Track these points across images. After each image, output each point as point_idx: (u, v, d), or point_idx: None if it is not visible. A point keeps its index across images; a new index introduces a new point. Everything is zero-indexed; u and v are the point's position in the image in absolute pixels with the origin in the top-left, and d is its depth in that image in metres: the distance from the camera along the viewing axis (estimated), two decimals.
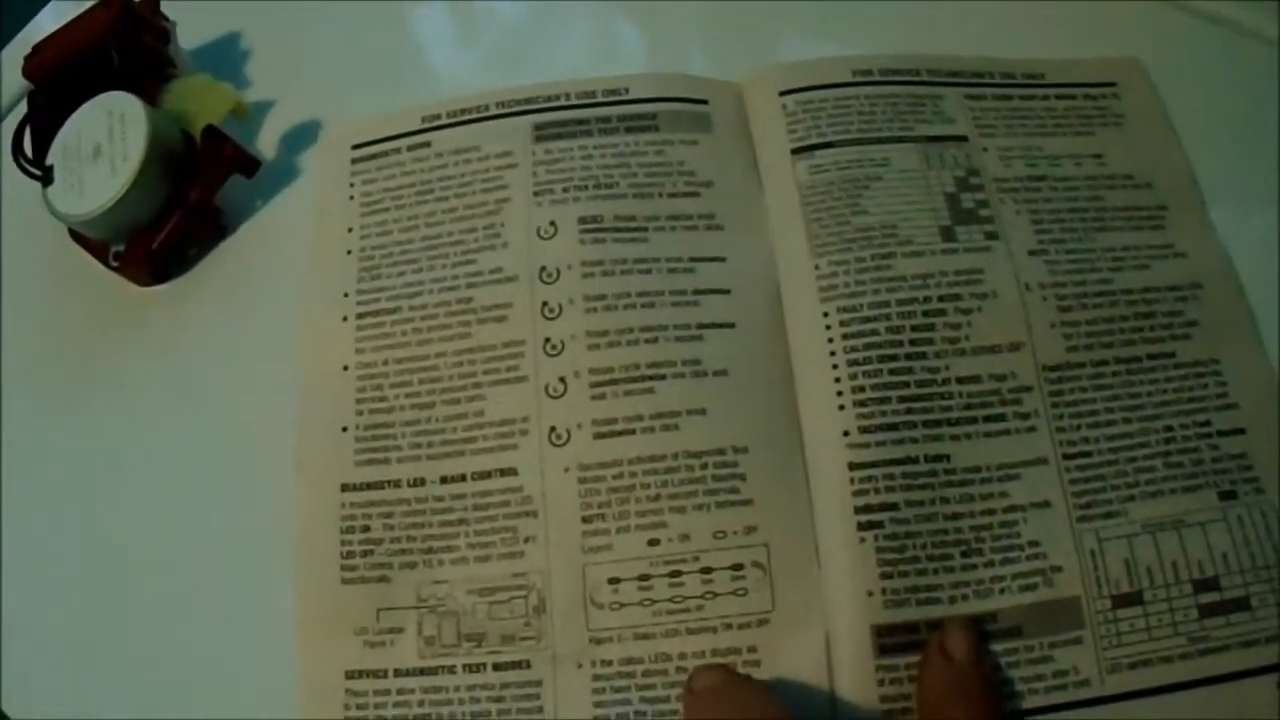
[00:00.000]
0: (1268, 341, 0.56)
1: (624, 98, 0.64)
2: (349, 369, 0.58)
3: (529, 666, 0.53)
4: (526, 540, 0.54)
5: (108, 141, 0.64)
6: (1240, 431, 0.54)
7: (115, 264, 0.66)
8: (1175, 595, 0.51)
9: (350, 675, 0.54)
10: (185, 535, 0.59)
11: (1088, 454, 0.53)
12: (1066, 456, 0.53)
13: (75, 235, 0.68)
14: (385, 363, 0.58)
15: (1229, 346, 0.56)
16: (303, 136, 0.70)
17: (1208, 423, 0.54)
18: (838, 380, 0.54)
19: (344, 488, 0.56)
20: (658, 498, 0.53)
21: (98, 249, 0.67)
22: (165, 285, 0.67)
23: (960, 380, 0.54)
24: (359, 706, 0.53)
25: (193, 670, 0.56)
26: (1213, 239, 0.59)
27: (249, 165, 0.67)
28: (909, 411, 0.54)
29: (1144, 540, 0.52)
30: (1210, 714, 0.50)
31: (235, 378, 0.63)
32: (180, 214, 0.65)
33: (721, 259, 0.59)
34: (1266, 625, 0.51)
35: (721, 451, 0.54)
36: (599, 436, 0.54)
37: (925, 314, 0.55)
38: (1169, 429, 0.54)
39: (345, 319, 0.60)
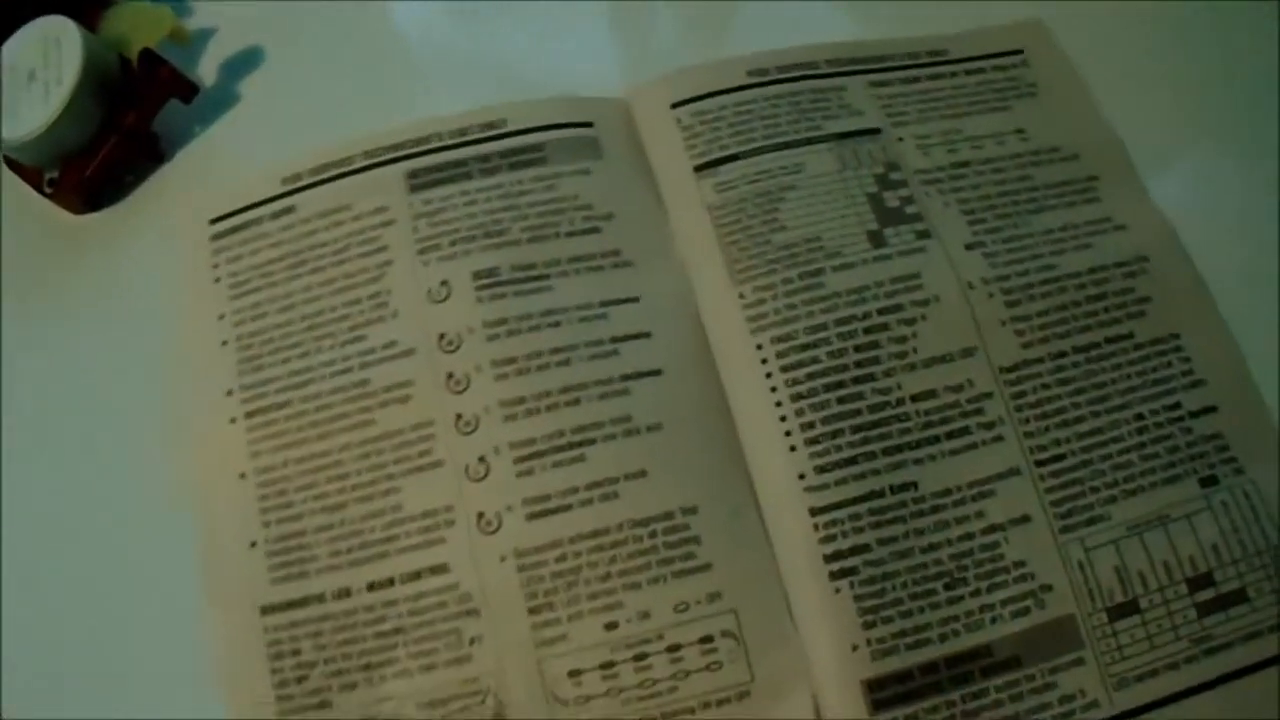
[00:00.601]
0: (1225, 310, 0.51)
1: (502, 131, 0.55)
2: (246, 476, 0.50)
3: None
4: (472, 642, 0.47)
5: (42, 66, 0.59)
6: (1212, 410, 0.49)
7: (49, 190, 0.61)
8: (1171, 598, 0.47)
9: None
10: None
11: (1060, 457, 0.48)
12: (1039, 463, 0.48)
13: (9, 162, 0.63)
14: (285, 464, 0.50)
15: (1187, 320, 0.51)
16: (245, 64, 0.64)
17: (1177, 405, 0.49)
18: (783, 419, 0.48)
19: (264, 610, 0.48)
20: (608, 576, 0.47)
21: (31, 176, 0.62)
22: (100, 213, 0.62)
23: (915, 398, 0.48)
24: None
25: None
26: (1150, 206, 0.54)
27: (186, 90, 0.62)
28: (865, 441, 0.48)
29: (1131, 543, 0.47)
30: (1224, 714, 0.45)
31: (171, 309, 0.55)
32: (115, 139, 0.60)
33: (635, 299, 0.52)
34: (1267, 615, 0.47)
35: (669, 515, 0.47)
36: (533, 517, 0.47)
37: (867, 331, 0.49)
38: (1139, 417, 0.49)
39: (233, 420, 0.51)
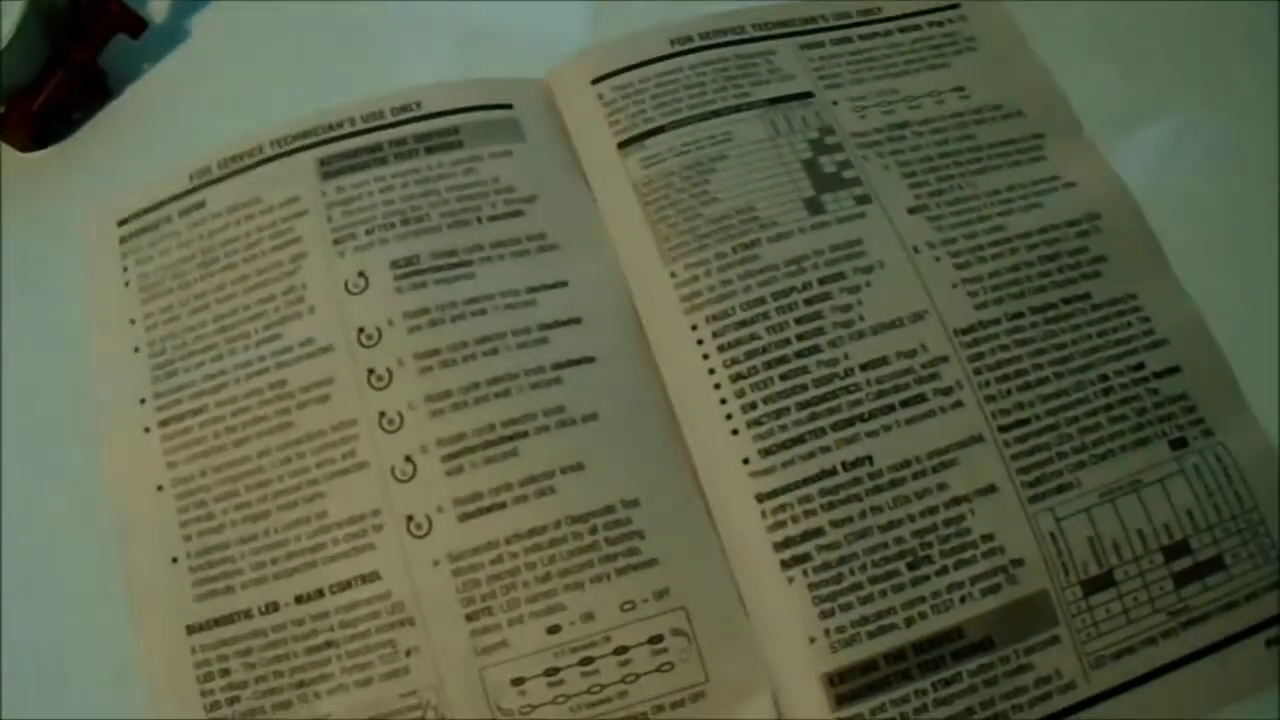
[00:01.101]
0: (1180, 269, 0.47)
1: (417, 114, 0.50)
2: (164, 488, 0.46)
3: None
4: (408, 653, 0.42)
5: None
6: (1175, 370, 0.45)
7: None
8: (1147, 568, 0.43)
9: None
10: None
11: (1025, 422, 0.44)
12: (1003, 429, 0.43)
13: None
14: (203, 474, 0.45)
15: (1143, 279, 0.47)
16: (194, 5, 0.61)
17: (1141, 365, 0.45)
18: (723, 401, 0.44)
19: (190, 629, 0.44)
20: (548, 577, 0.42)
21: None
22: (47, 150, 0.57)
23: (865, 366, 0.44)
24: None
25: None
26: (1098, 162, 0.50)
27: (134, 24, 0.58)
28: (813, 418, 0.43)
29: (1104, 511, 0.43)
30: (1205, 689, 0.42)
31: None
32: (62, 75, 0.57)
33: (563, 283, 0.47)
34: (1244, 582, 0.43)
35: (610, 509, 0.43)
36: (465, 518, 0.43)
37: (808, 301, 0.45)
38: (1104, 378, 0.44)
39: (147, 430, 0.47)
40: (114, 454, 0.47)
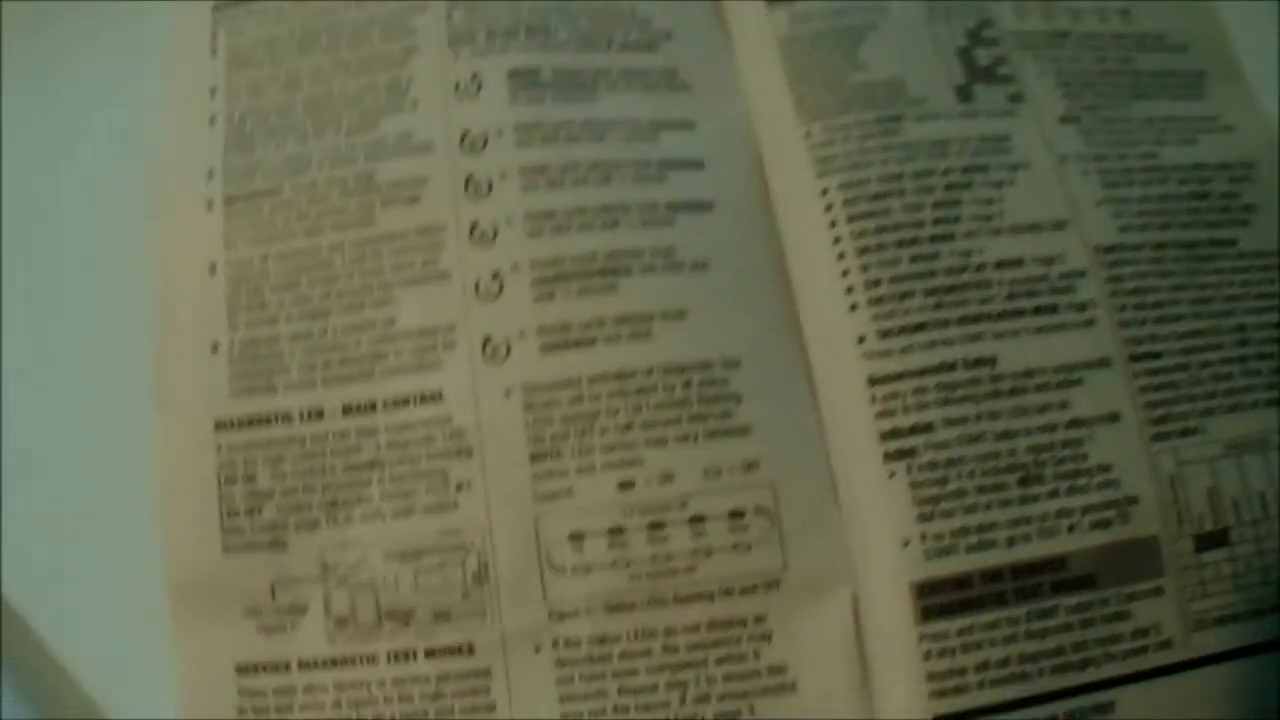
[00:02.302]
0: None
1: None
2: (216, 270, 0.39)
3: (472, 652, 0.35)
4: (459, 487, 0.36)
5: None
6: None
7: None
8: (1265, 535, 0.36)
9: (242, 670, 0.36)
10: None
11: (1157, 355, 0.37)
12: (1134, 358, 0.37)
13: None
14: (264, 259, 0.38)
15: None
16: None
17: None
18: (845, 273, 0.37)
19: (218, 426, 0.37)
20: (629, 427, 0.36)
21: None
22: None
23: (999, 265, 0.38)
24: (256, 710, 0.36)
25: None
26: (1258, 113, 0.43)
27: None
28: (938, 307, 0.37)
29: (1228, 465, 0.36)
30: None
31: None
32: None
33: (690, 125, 0.40)
34: None
35: (708, 365, 0.36)
36: (549, 349, 0.36)
37: (948, 187, 0.38)
38: (1241, 328, 0.38)
39: (210, 206, 0.40)
40: (169, 227, 0.40)
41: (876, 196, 0.38)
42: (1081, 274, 0.38)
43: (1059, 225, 0.39)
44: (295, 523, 0.36)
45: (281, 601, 0.36)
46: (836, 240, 0.38)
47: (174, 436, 0.37)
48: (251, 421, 0.37)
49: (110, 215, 0.42)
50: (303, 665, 0.36)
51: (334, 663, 0.35)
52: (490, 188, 0.38)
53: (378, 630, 0.35)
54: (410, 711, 0.35)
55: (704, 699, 0.35)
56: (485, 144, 0.39)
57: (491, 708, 0.35)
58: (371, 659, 0.35)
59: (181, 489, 0.37)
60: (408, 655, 0.35)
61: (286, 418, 0.37)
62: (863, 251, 0.38)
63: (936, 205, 0.38)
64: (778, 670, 0.35)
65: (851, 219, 0.38)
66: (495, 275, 0.37)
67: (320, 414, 0.37)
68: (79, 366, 0.40)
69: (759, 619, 0.35)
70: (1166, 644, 0.35)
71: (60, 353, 0.41)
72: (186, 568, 0.37)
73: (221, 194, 0.40)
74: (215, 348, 0.38)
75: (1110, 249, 0.38)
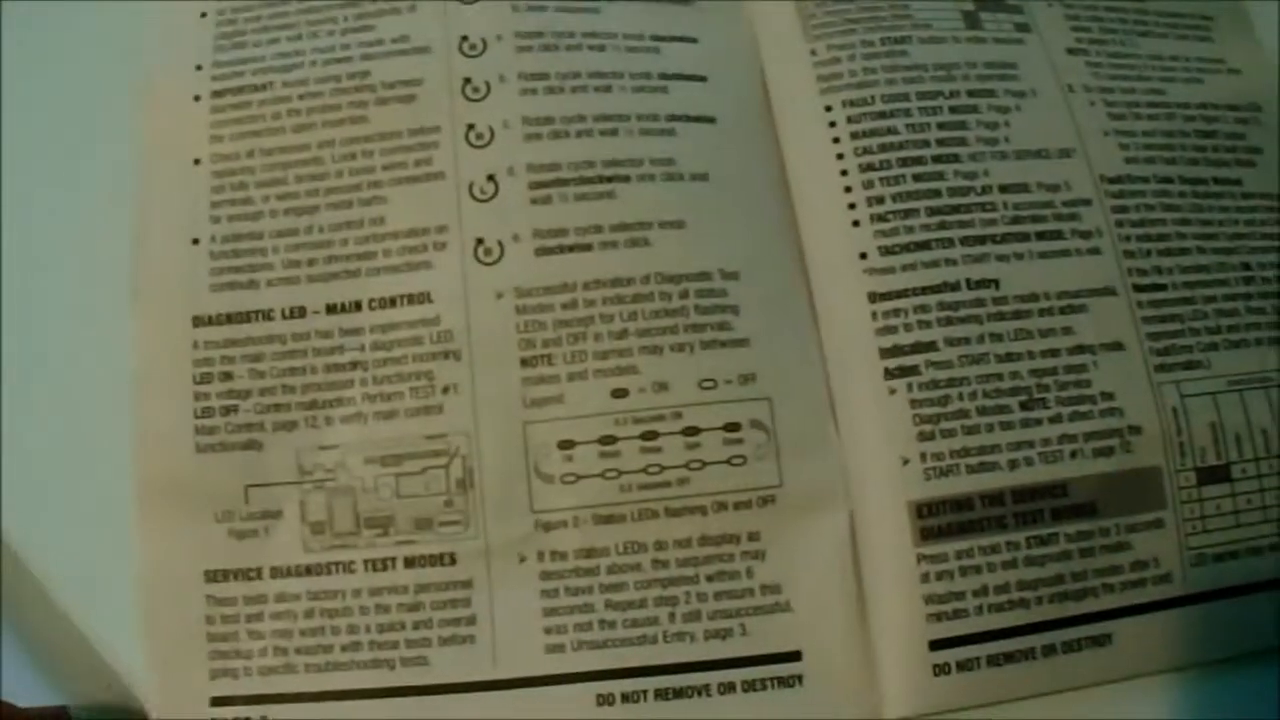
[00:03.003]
0: None
1: None
2: (201, 163, 0.37)
3: (453, 561, 0.33)
4: (445, 390, 0.34)
5: None
6: None
7: None
8: (1265, 472, 0.35)
9: (211, 576, 0.34)
10: None
11: (1161, 287, 0.36)
12: (1138, 288, 0.36)
13: None
14: (250, 154, 0.37)
15: None
16: None
17: None
18: (848, 189, 0.36)
19: (196, 321, 0.35)
20: (624, 334, 0.34)
21: None
22: None
23: (1004, 189, 0.36)
24: (225, 619, 0.33)
25: None
26: (1263, 57, 0.42)
27: None
28: (942, 226, 0.36)
29: (1230, 400, 0.35)
30: None
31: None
32: None
33: (692, 39, 0.39)
34: None
35: (706, 276, 0.35)
36: (543, 252, 0.35)
37: (953, 110, 0.38)
38: (1246, 266, 0.37)
39: (197, 98, 0.38)
40: (153, 119, 0.38)
41: (881, 115, 0.37)
42: (1087, 202, 0.37)
43: (1065, 153, 0.38)
44: (272, 423, 0.34)
45: (255, 505, 0.34)
46: (840, 156, 0.37)
47: (149, 331, 0.35)
48: (230, 318, 0.35)
49: (93, 107, 0.39)
50: (275, 573, 0.34)
51: (308, 570, 0.33)
52: (488, 91, 0.36)
53: (355, 537, 0.33)
54: (387, 622, 0.33)
55: (694, 616, 0.33)
56: (484, 49, 0.37)
57: (472, 620, 0.33)
58: (348, 567, 0.33)
59: (155, 385, 0.35)
60: (386, 564, 0.33)
61: (267, 315, 0.35)
62: (866, 169, 0.36)
63: (941, 127, 0.37)
64: (771, 589, 0.33)
65: (855, 136, 0.37)
66: (490, 178, 0.35)
67: (303, 312, 0.35)
68: (51, 260, 0.38)
69: (752, 536, 0.33)
70: (1165, 578, 0.34)
71: (31, 247, 0.38)
72: (156, 467, 0.34)
73: (209, 88, 0.38)
74: (196, 241, 0.36)
75: (1116, 179, 0.37)
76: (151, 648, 0.34)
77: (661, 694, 0.33)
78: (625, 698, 0.33)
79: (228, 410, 0.34)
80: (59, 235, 0.38)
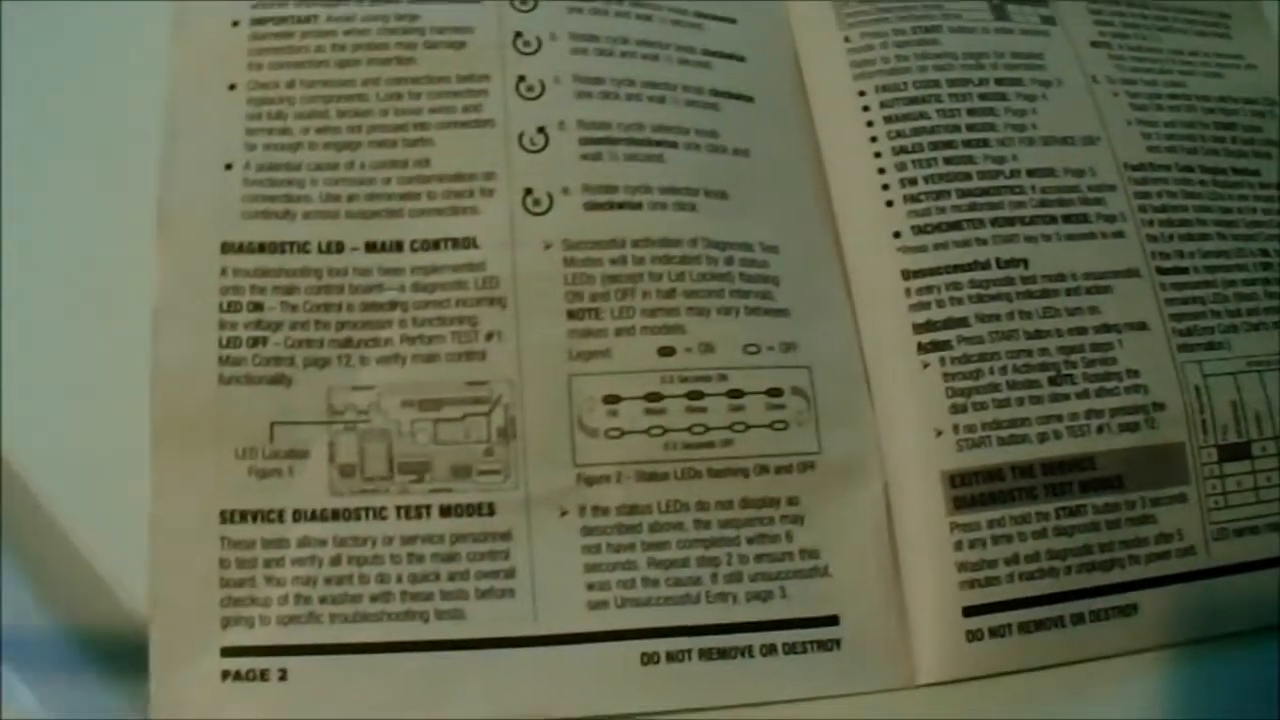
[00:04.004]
0: None
1: None
2: (237, 88, 0.35)
3: (492, 512, 0.32)
4: (489, 337, 0.33)
5: None
6: None
7: None
8: None
9: (228, 517, 0.32)
10: None
11: (1183, 270, 0.37)
12: (1161, 271, 0.37)
13: None
14: (291, 85, 0.35)
15: None
16: None
17: None
18: (882, 171, 0.37)
19: (225, 248, 0.34)
20: (672, 293, 0.34)
21: None
22: None
23: (1031, 172, 0.37)
24: (240, 563, 0.31)
25: None
26: (1278, 55, 0.44)
27: None
28: (973, 208, 0.36)
29: (1251, 380, 0.36)
30: None
31: None
32: None
33: (732, 20, 0.39)
34: None
35: (748, 246, 0.35)
36: (593, 207, 0.34)
37: (983, 96, 0.39)
38: (1264, 253, 0.38)
39: (236, 24, 0.36)
40: (188, 40, 0.37)
41: (913, 100, 0.38)
42: (1111, 188, 0.38)
43: (1090, 140, 0.39)
44: (303, 359, 0.33)
45: (280, 444, 0.32)
46: (873, 139, 0.38)
47: (175, 256, 0.34)
48: (263, 247, 0.34)
49: (127, 25, 0.38)
50: (298, 515, 0.32)
51: (335, 515, 0.32)
52: (539, 45, 0.36)
53: (388, 482, 0.32)
54: (420, 572, 0.32)
55: (736, 578, 0.33)
56: (535, 5, 0.37)
57: (511, 573, 0.32)
58: (379, 513, 0.32)
59: (178, 312, 0.33)
60: (420, 511, 0.32)
61: (303, 247, 0.34)
62: (899, 151, 0.37)
63: (971, 113, 0.38)
64: (810, 554, 0.33)
65: (888, 120, 0.38)
66: (541, 129, 0.35)
67: (340, 247, 0.34)
68: (78, 178, 0.37)
69: (792, 500, 0.33)
70: (1189, 550, 0.35)
71: (59, 166, 0.37)
72: (175, 397, 0.32)
73: (250, 14, 0.37)
74: (229, 166, 0.35)
75: (1139, 167, 0.39)
76: (157, 590, 0.31)
77: (706, 654, 0.32)
78: (670, 657, 0.32)
79: (255, 342, 0.33)
80: (85, 153, 0.37)
